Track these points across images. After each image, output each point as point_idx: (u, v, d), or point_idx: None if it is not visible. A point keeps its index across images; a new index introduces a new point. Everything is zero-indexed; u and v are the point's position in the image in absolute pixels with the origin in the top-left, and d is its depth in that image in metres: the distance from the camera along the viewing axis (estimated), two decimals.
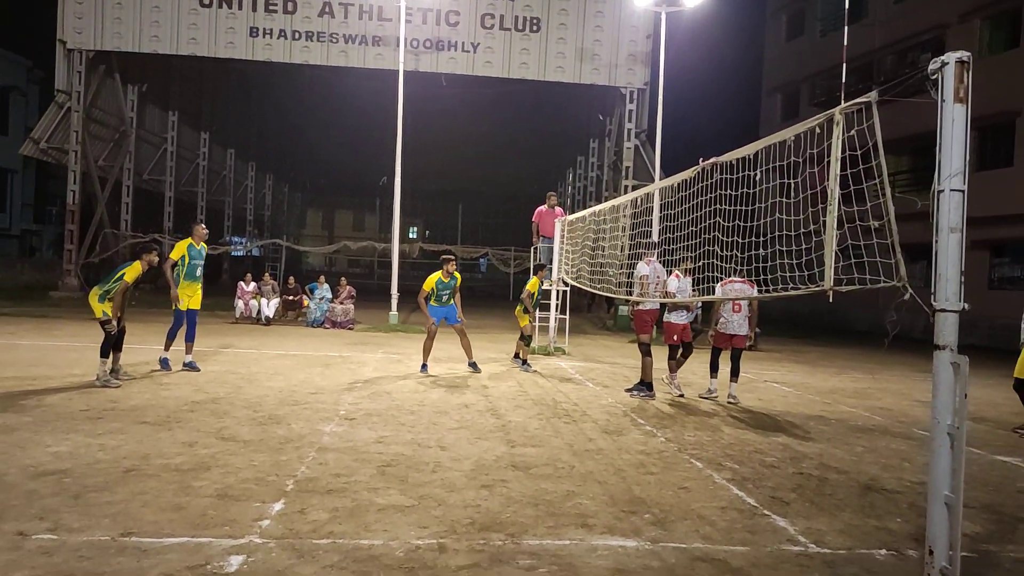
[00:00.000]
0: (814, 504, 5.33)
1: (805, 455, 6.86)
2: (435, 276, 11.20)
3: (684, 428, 7.86)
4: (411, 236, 56.41)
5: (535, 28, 24.37)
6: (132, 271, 9.04)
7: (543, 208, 14.58)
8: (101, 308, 8.90)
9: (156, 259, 9.50)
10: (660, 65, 20.42)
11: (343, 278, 19.55)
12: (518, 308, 12.63)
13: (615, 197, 18.89)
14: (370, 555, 4.01)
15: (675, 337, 9.84)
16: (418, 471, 5.67)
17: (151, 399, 8.03)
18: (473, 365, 11.44)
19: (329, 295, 18.57)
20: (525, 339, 12.34)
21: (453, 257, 11.63)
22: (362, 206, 59.25)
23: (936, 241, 3.61)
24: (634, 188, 21.39)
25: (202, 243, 10.54)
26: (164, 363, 10.13)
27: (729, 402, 9.54)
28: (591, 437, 7.17)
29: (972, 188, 4.42)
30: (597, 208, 14.02)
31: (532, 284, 12.74)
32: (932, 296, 3.60)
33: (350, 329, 17.77)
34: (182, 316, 10.31)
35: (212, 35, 23.72)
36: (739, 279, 8.99)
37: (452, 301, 11.38)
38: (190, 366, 10.21)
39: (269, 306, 18.42)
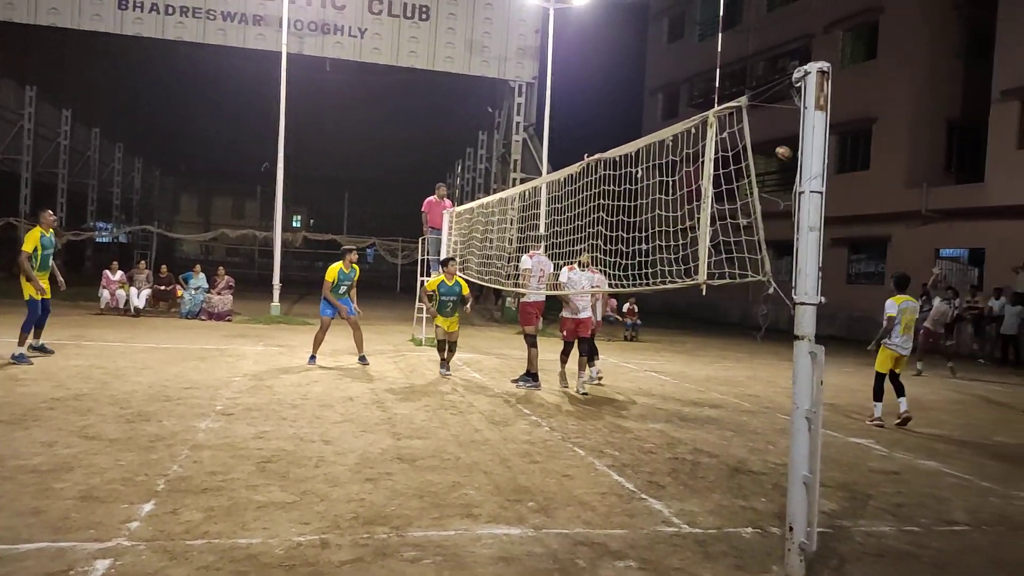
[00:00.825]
0: (687, 487, 5.61)
1: (680, 440, 7.20)
2: (337, 266, 11.07)
3: (568, 417, 8.06)
4: (295, 225, 54.70)
5: (424, 16, 24.16)
6: None
7: (433, 198, 14.50)
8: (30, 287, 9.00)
9: (52, 218, 9.67)
10: (548, 60, 20.75)
11: (221, 267, 18.74)
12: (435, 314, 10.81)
13: (504, 189, 19.04)
14: (248, 554, 3.89)
15: (564, 332, 9.81)
16: (300, 466, 5.54)
17: (5, 395, 7.42)
18: (363, 359, 11.27)
19: (205, 285, 17.74)
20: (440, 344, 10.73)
21: (353, 248, 11.56)
22: (242, 192, 56.76)
23: (797, 239, 3.87)
24: (522, 181, 21.64)
25: (51, 230, 10.13)
26: (20, 358, 9.40)
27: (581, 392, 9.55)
28: (477, 428, 7.23)
29: (832, 189, 4.77)
30: (485, 200, 14.08)
31: (431, 283, 10.89)
32: (792, 290, 3.86)
33: (228, 321, 17.07)
34: (38, 306, 9.72)
35: (76, 5, 22.06)
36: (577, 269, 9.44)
37: (348, 294, 11.23)
38: (41, 348, 9.94)
39: (140, 296, 17.40)
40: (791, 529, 3.66)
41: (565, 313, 9.74)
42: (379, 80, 27.04)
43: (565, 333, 9.82)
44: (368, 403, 8.19)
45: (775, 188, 23.11)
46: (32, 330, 9.83)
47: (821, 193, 3.89)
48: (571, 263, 9.56)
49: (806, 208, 3.84)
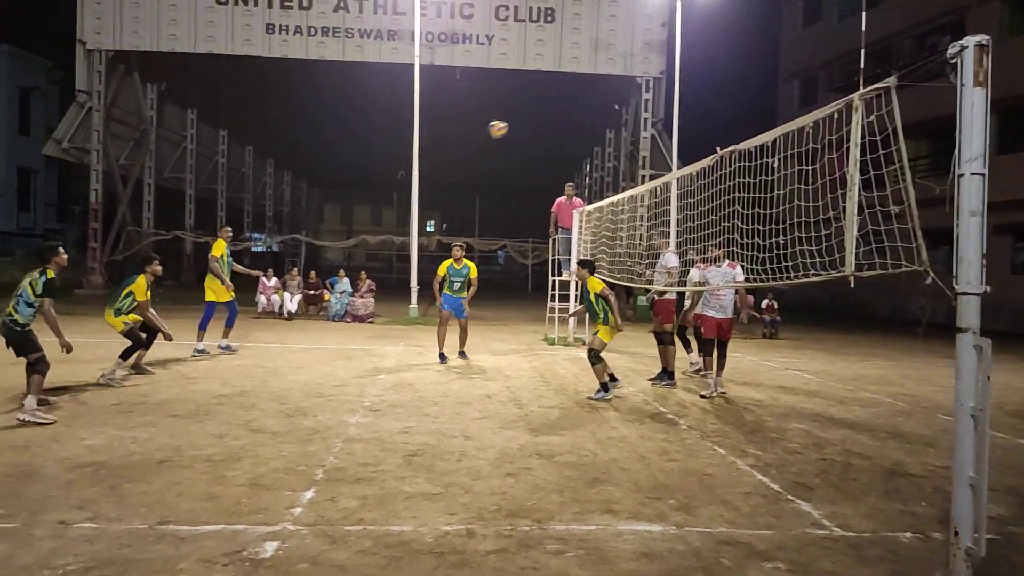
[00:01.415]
0: (838, 489, 5.36)
1: (828, 441, 6.88)
2: (447, 263, 11.58)
3: (706, 416, 7.89)
4: (429, 229, 56.54)
5: (549, 19, 24.33)
6: (139, 288, 9.01)
7: (562, 199, 14.59)
8: (120, 320, 8.95)
9: (159, 268, 9.55)
10: (676, 53, 20.34)
11: (363, 272, 19.67)
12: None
13: (632, 187, 18.85)
14: (400, 541, 4.10)
15: (704, 329, 9.51)
16: (444, 460, 5.76)
17: (180, 393, 8.19)
18: (462, 354, 11.68)
19: (349, 289, 18.72)
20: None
21: (460, 244, 12.07)
22: (380, 200, 59.39)
23: (957, 225, 3.63)
24: (651, 178, 21.33)
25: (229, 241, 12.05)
26: (202, 352, 11.12)
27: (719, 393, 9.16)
28: (614, 426, 7.23)
29: (995, 172, 4.41)
30: (615, 198, 14.02)
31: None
32: (954, 279, 3.62)
33: (371, 322, 17.91)
34: (213, 307, 11.47)
35: (229, 32, 23.91)
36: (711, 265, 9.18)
37: (463, 293, 11.51)
38: (227, 348, 11.49)
39: (292, 301, 18.61)
40: (956, 533, 3.43)
41: (709, 312, 9.26)
42: (506, 84, 27.49)
43: (705, 330, 9.49)
44: (505, 400, 8.38)
45: (926, 173, 21.55)
46: (206, 328, 11.36)
47: (983, 175, 3.63)
48: (702, 260, 9.20)
49: (967, 191, 3.60)
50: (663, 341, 9.77)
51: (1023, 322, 19.85)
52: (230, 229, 12.66)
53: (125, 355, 8.87)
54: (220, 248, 11.64)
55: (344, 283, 18.77)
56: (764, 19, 37.08)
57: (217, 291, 11.55)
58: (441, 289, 11.45)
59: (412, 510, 4.60)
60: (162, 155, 29.37)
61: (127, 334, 8.92)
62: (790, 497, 5.12)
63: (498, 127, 15.77)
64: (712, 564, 3.93)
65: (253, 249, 35.12)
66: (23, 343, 6.87)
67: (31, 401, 6.66)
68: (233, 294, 11.71)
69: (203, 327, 11.28)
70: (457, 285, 11.48)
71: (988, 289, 3.58)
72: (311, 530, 4.22)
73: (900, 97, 4.51)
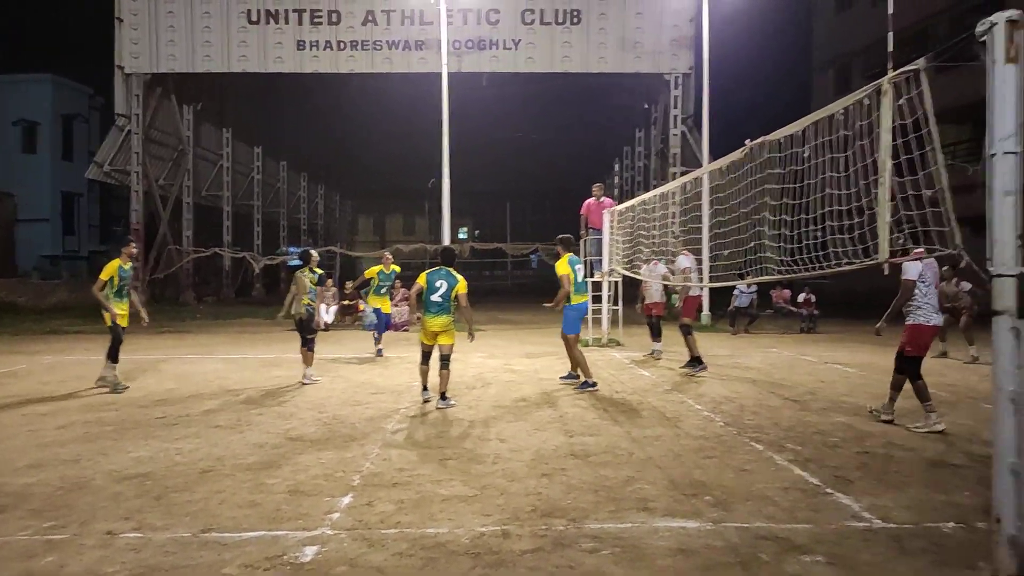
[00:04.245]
0: (879, 481, 5.26)
1: (869, 434, 6.75)
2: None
3: (743, 412, 7.80)
4: (461, 236, 56.84)
5: (576, 20, 24.33)
6: (107, 268, 9.35)
7: (591, 200, 14.54)
8: (108, 316, 9.32)
9: (134, 250, 9.89)
10: (704, 48, 20.16)
11: (397, 281, 19.83)
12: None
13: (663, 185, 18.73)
14: (437, 543, 4.14)
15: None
16: (479, 463, 5.79)
17: (221, 405, 8.35)
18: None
19: None
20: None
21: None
22: (411, 210, 59.90)
23: (990, 206, 3.55)
24: (682, 175, 21.17)
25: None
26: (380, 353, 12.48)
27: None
28: (649, 424, 7.19)
29: None
30: (645, 196, 13.93)
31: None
32: (988, 261, 3.54)
33: (405, 331, 18.05)
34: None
35: (261, 51, 24.39)
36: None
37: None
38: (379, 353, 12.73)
39: (328, 312, 18.84)
40: (998, 521, 3.34)
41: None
42: (534, 88, 27.59)
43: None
44: (539, 403, 8.38)
45: (967, 158, 20.99)
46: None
47: (1016, 153, 3.54)
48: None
49: (1000, 171, 3.51)
50: (689, 332, 10.80)
51: None
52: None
53: (111, 355, 9.20)
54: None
55: None
56: (795, 7, 36.56)
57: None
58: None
59: (448, 512, 4.64)
60: (199, 173, 30.03)
61: (111, 330, 9.28)
62: (829, 490, 5.04)
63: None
64: (749, 559, 3.89)
65: (290, 263, 35.59)
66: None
67: None
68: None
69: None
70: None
71: None
72: (349, 534, 4.28)
73: (943, 80, 4.45)
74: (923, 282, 6.92)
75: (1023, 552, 3.37)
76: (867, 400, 8.43)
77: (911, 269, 6.86)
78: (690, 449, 6.19)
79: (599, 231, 14.27)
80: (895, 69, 4.76)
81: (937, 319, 7.14)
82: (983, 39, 3.67)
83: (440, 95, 19.90)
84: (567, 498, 4.90)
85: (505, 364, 11.66)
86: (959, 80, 13.92)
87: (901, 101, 4.80)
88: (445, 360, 8.15)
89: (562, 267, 9.29)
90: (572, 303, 9.33)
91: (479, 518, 4.53)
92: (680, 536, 4.21)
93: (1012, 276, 3.44)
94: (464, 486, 5.18)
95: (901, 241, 5.27)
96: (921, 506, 4.71)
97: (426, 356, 8.25)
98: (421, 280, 8.33)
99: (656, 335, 12.49)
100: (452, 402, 8.16)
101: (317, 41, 24.35)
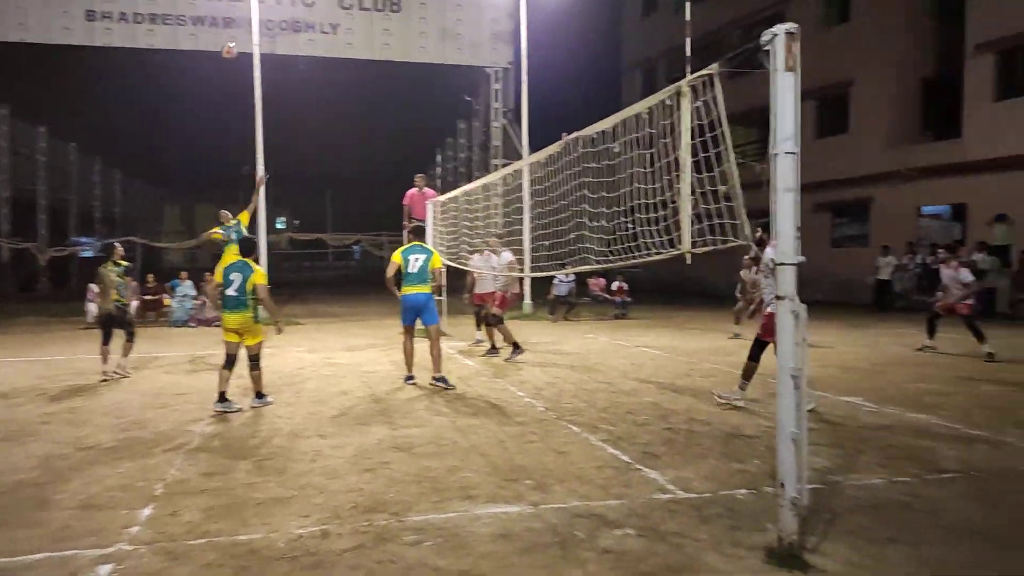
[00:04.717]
0: (682, 455, 5.66)
1: (674, 411, 7.26)
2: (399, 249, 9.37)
3: (561, 396, 8.10)
4: (279, 226, 54.40)
5: (395, 8, 24.02)
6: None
7: (414, 191, 14.44)
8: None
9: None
10: (523, 44, 20.63)
11: (208, 274, 18.62)
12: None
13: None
14: (249, 550, 3.92)
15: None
16: (296, 462, 5.56)
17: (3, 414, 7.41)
18: (442, 380, 8.73)
19: (192, 292, 17.67)
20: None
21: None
22: (224, 198, 56.09)
23: (773, 201, 3.90)
24: (503, 167, 21.60)
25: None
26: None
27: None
28: (473, 412, 7.27)
29: (813, 155, 4.80)
30: (468, 187, 14.06)
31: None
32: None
33: (218, 325, 16.98)
34: None
35: (45, 20, 21.78)
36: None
37: (425, 287, 8.86)
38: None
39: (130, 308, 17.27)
40: (782, 486, 3.71)
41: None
42: (355, 76, 26.84)
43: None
44: (363, 396, 8.21)
45: (755, 157, 23.12)
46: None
47: (795, 154, 3.91)
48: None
49: (782, 170, 3.86)
50: (500, 322, 11.29)
51: (842, 292, 21.87)
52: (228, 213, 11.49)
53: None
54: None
55: (187, 286, 17.69)
56: (607, 9, 38.28)
57: None
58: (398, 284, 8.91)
59: (262, 516, 4.41)
60: None
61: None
62: (639, 466, 5.35)
63: (228, 48, 16.29)
64: (567, 537, 4.03)
65: (81, 254, 32.23)
66: None
67: None
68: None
69: None
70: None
71: (803, 259, 3.87)
72: (149, 548, 3.94)
73: (735, 86, 4.80)
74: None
75: (803, 513, 3.76)
76: (673, 379, 9.08)
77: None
78: (512, 435, 6.32)
79: (422, 221, 14.22)
80: (693, 73, 5.11)
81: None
82: (767, 48, 4.01)
83: (253, 78, 18.82)
84: (390, 492, 4.83)
85: (325, 358, 11.31)
86: (748, 86, 15.27)
87: (698, 103, 5.17)
88: (254, 361, 7.72)
89: (395, 256, 9.16)
90: (404, 293, 9.05)
91: (296, 520, 4.35)
92: (502, 521, 4.29)
93: (792, 264, 3.80)
94: (280, 487, 4.95)
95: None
96: (718, 475, 5.12)
97: (230, 360, 7.57)
98: (217, 275, 7.86)
99: (481, 325, 12.68)
100: (269, 399, 7.79)
101: (111, 12, 22.15)
